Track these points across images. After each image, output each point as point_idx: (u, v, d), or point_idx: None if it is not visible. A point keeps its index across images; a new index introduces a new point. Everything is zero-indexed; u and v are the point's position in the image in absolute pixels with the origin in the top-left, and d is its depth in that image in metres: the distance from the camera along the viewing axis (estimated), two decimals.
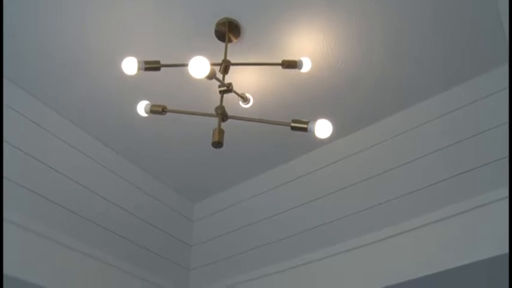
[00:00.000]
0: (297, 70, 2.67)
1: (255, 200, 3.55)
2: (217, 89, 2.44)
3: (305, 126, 2.28)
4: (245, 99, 2.68)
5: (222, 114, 2.34)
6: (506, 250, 2.33)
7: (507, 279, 2.52)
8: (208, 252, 3.63)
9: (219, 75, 2.39)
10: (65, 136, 3.06)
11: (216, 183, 3.70)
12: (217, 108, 2.36)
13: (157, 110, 2.45)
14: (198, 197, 3.87)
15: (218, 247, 3.59)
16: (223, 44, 2.56)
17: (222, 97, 2.43)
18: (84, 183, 3.09)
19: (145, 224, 3.45)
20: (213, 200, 3.81)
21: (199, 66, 2.09)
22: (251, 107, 2.76)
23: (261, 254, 3.32)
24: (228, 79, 2.49)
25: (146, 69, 2.40)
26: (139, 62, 2.36)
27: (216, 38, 2.57)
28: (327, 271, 2.94)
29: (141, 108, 2.50)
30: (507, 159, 2.54)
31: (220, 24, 2.51)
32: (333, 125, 2.32)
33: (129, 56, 2.39)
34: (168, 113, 2.50)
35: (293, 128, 2.31)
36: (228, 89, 2.42)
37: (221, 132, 2.26)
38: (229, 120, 2.41)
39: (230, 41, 2.57)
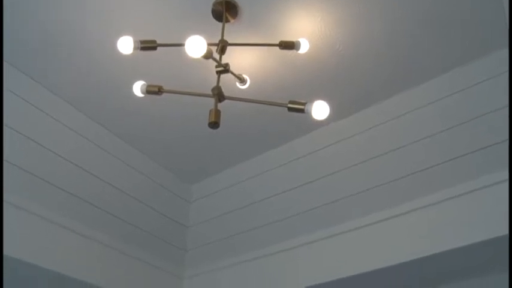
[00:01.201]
0: (294, 51, 2.64)
1: (252, 182, 3.55)
2: (214, 70, 2.42)
3: (302, 107, 2.26)
4: (242, 80, 2.66)
5: (219, 95, 2.33)
6: (499, 233, 2.35)
7: (499, 261, 2.54)
8: (205, 234, 3.64)
9: (216, 56, 2.37)
10: (61, 117, 3.05)
11: (213, 164, 3.70)
12: (213, 89, 2.34)
13: (153, 90, 2.44)
14: (195, 178, 3.86)
15: (215, 228, 3.60)
16: (220, 24, 2.52)
17: (218, 77, 2.41)
18: (81, 164, 3.08)
19: (142, 205, 3.45)
20: (210, 182, 3.81)
21: (196, 46, 2.07)
22: (248, 88, 2.74)
23: (258, 236, 3.32)
24: (225, 59, 2.46)
25: (142, 48, 2.37)
26: (135, 42, 2.34)
27: (213, 18, 2.54)
28: (324, 253, 2.95)
29: (137, 88, 2.48)
30: (502, 144, 2.54)
31: (217, 3, 2.47)
32: (330, 106, 2.31)
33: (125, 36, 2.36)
34: (164, 94, 2.48)
35: (290, 109, 2.29)
36: (224, 69, 2.40)
37: (218, 112, 2.25)
38: (226, 101, 2.40)
39: (227, 21, 2.54)
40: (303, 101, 2.29)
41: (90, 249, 2.96)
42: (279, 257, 3.12)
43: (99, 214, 3.11)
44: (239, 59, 2.79)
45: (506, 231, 2.32)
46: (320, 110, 2.25)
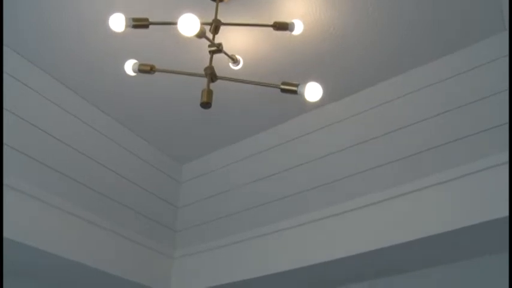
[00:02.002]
0: (288, 32, 2.62)
1: (243, 163, 3.55)
2: (207, 49, 2.40)
3: (295, 88, 2.25)
4: (235, 61, 2.64)
5: (211, 75, 2.31)
6: (490, 217, 2.37)
7: (490, 244, 2.58)
8: (195, 215, 3.64)
9: (209, 35, 2.35)
10: (53, 97, 3.02)
11: (204, 145, 3.69)
12: (206, 69, 2.33)
13: (145, 69, 2.42)
14: (185, 159, 3.85)
15: (205, 209, 3.60)
16: (214, 3, 2.50)
17: (211, 57, 2.39)
18: (72, 144, 3.07)
19: (133, 185, 3.44)
20: (201, 162, 3.80)
21: (188, 24, 2.05)
22: (241, 68, 2.72)
23: (249, 217, 3.33)
24: (218, 39, 2.44)
25: (134, 26, 2.35)
26: (127, 19, 2.31)
27: None
28: (316, 234, 2.95)
29: (129, 67, 2.46)
30: (495, 129, 2.55)
31: None
32: (324, 89, 2.30)
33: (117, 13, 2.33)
34: (156, 73, 2.46)
35: (283, 91, 2.28)
36: (217, 49, 2.38)
37: (210, 92, 2.23)
38: (218, 82, 2.38)
39: (221, 0, 2.51)
40: (295, 82, 2.27)
41: (80, 229, 2.95)
42: (269, 239, 3.13)
43: (89, 194, 3.10)
44: (232, 39, 2.77)
45: (499, 215, 2.33)
46: (313, 91, 2.24)
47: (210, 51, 2.38)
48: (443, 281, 2.82)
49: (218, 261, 3.31)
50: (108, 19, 2.34)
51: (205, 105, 2.22)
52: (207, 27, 2.36)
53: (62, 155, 2.99)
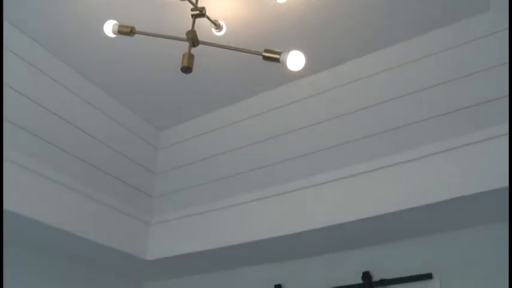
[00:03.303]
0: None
1: (222, 131, 3.53)
2: (190, 13, 2.35)
3: (277, 56, 2.22)
4: (218, 26, 2.59)
5: (193, 39, 2.27)
6: (498, 185, 2.38)
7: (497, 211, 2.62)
8: (173, 181, 3.63)
9: None
10: (26, 56, 2.94)
11: (183, 111, 3.65)
12: (188, 33, 2.28)
13: (125, 31, 2.36)
14: (164, 125, 3.81)
15: (183, 176, 3.59)
16: None
17: (193, 21, 2.34)
18: (47, 106, 3.00)
19: (111, 150, 3.40)
20: (180, 129, 3.77)
21: None
22: (224, 35, 2.67)
23: (226, 185, 3.33)
24: (201, 3, 2.39)
25: None
26: None
27: None
28: (295, 204, 2.97)
29: (109, 28, 2.39)
30: (500, 99, 2.55)
31: None
32: (307, 59, 2.27)
33: None
34: (136, 36, 2.41)
35: (265, 58, 2.25)
36: (200, 13, 2.33)
37: (191, 57, 2.20)
38: (200, 47, 2.34)
39: None
40: (278, 50, 2.24)
41: (57, 193, 2.92)
42: (246, 207, 3.14)
43: (66, 158, 3.05)
44: (216, 4, 2.71)
45: (499, 185, 2.36)
46: (295, 60, 2.21)
47: (192, 15, 2.34)
48: (444, 248, 2.86)
49: (194, 228, 3.32)
50: None
51: (186, 69, 2.18)
52: None
53: (37, 118, 2.93)
